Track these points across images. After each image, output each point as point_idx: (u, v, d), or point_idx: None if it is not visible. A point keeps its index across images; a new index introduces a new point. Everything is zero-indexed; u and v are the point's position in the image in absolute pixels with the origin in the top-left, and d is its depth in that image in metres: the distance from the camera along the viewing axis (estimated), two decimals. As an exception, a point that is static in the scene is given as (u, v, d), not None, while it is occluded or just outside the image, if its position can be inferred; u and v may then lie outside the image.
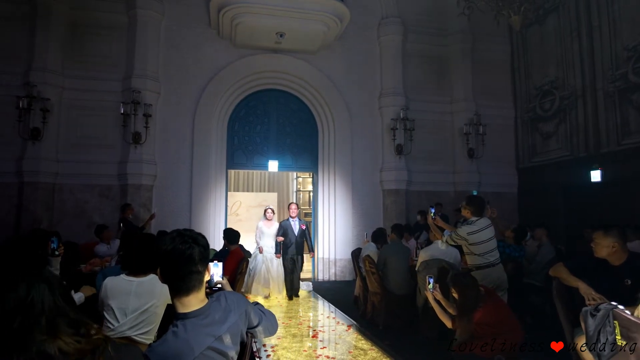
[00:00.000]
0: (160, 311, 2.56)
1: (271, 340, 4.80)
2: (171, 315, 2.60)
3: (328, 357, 4.31)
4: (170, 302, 1.57)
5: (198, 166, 8.41)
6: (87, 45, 8.13)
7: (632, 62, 7.17)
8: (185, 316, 1.52)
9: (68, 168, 7.76)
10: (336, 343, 4.81)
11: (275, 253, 7.24)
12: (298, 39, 8.56)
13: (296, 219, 7.30)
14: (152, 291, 2.50)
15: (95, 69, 8.06)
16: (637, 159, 7.02)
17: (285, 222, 7.31)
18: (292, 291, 7.23)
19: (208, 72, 8.64)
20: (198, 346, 1.48)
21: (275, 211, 8.29)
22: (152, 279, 2.54)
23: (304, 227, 7.26)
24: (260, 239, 7.42)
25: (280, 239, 7.15)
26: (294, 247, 7.17)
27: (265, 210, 7.59)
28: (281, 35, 8.30)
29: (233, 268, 5.05)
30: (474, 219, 4.18)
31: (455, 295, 3.31)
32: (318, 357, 4.31)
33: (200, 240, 1.59)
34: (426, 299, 4.90)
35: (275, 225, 7.39)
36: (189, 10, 8.66)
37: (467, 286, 3.21)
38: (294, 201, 9.72)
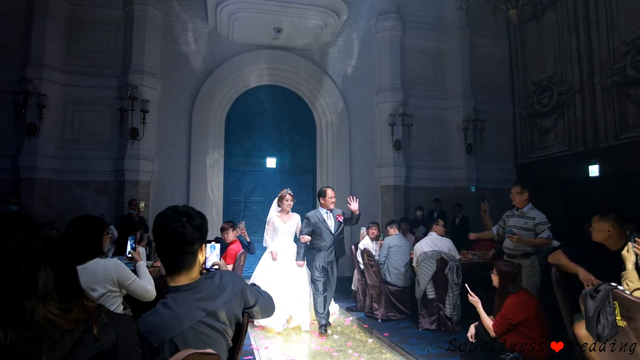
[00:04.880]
0: (116, 290, 2.53)
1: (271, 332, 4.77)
2: (159, 293, 2.57)
3: (327, 348, 4.29)
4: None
5: (195, 162, 8.39)
6: (84, 41, 8.10)
7: (630, 56, 7.16)
8: (176, 289, 1.50)
9: (65, 164, 7.72)
10: (335, 335, 4.78)
11: (297, 260, 4.98)
12: (296, 35, 8.55)
13: (331, 210, 5.00)
14: (95, 275, 2.44)
15: (92, 65, 8.03)
16: (635, 153, 7.01)
17: (316, 213, 4.99)
18: (323, 320, 4.83)
19: (206, 67, 8.62)
20: (188, 319, 1.45)
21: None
22: (96, 263, 2.48)
23: (341, 219, 4.95)
24: (272, 238, 5.21)
25: (306, 239, 4.82)
26: (332, 249, 4.88)
27: (280, 197, 5.22)
28: (279, 31, 8.29)
29: (229, 263, 5.02)
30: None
31: (495, 279, 3.43)
32: (317, 348, 4.29)
33: (195, 220, 1.54)
34: (424, 292, 4.91)
35: (295, 219, 5.25)
36: (186, 6, 8.64)
37: (509, 273, 3.36)
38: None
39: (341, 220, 4.95)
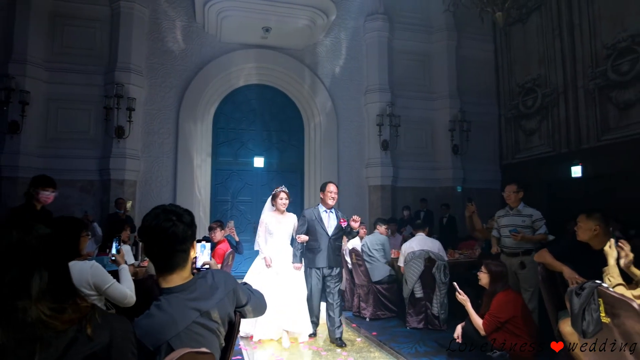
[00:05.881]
0: (93, 294, 2.49)
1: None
2: (147, 293, 2.54)
3: (316, 348, 4.29)
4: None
5: (182, 161, 8.32)
6: (68, 37, 7.95)
7: (611, 60, 7.33)
8: (169, 291, 1.49)
9: (48, 163, 7.56)
10: (323, 335, 4.79)
11: (294, 263, 4.53)
12: (284, 34, 8.53)
13: (332, 208, 4.60)
14: None
15: (77, 62, 7.88)
16: (616, 155, 7.18)
17: (313, 210, 4.59)
18: (335, 333, 4.41)
19: (193, 66, 8.55)
20: (182, 321, 1.44)
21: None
22: (72, 265, 2.41)
23: (344, 223, 4.45)
24: (265, 241, 4.72)
25: (303, 238, 4.44)
26: (325, 254, 4.45)
27: (274, 195, 4.79)
28: (267, 30, 8.27)
29: (218, 263, 4.99)
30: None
31: (484, 278, 3.48)
32: (305, 348, 4.29)
33: (185, 218, 1.54)
34: (412, 291, 4.96)
35: (291, 219, 4.79)
36: (174, 4, 8.55)
37: (500, 272, 3.45)
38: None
39: (343, 225, 4.44)
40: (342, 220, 4.46)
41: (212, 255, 4.97)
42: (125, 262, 2.95)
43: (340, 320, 4.48)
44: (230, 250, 5.32)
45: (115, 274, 2.74)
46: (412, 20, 9.84)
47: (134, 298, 2.63)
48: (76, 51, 7.96)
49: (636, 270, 2.47)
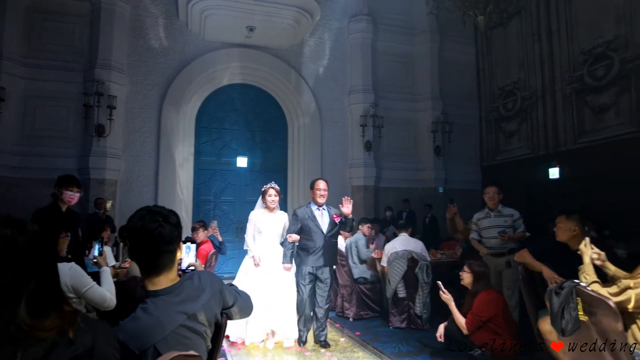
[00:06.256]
0: (72, 296, 2.46)
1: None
2: (129, 295, 2.51)
3: (299, 348, 4.29)
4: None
5: (164, 161, 8.21)
6: (47, 33, 7.76)
7: (587, 65, 7.53)
8: (155, 294, 1.47)
9: (24, 161, 7.38)
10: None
11: (285, 263, 4.31)
12: (268, 34, 8.51)
13: (324, 205, 4.43)
14: None
15: (55, 58, 7.70)
16: (591, 157, 7.39)
17: (305, 208, 4.41)
18: (319, 335, 4.34)
19: (176, 64, 8.45)
20: (170, 324, 1.43)
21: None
22: None
23: (337, 219, 4.32)
24: (254, 240, 4.48)
25: (294, 238, 4.25)
26: (321, 253, 4.25)
27: (263, 192, 4.52)
28: (251, 30, 8.23)
29: (202, 264, 4.95)
30: None
31: (467, 277, 3.53)
32: (288, 348, 4.29)
33: (171, 219, 1.53)
34: (395, 290, 5.01)
35: (281, 217, 4.55)
36: (156, 0, 8.43)
37: (483, 272, 3.51)
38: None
39: (337, 221, 4.29)
40: (335, 216, 4.29)
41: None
42: (107, 264, 2.90)
43: (326, 322, 4.41)
44: (213, 250, 5.28)
45: (96, 276, 2.70)
46: (395, 22, 9.93)
47: (114, 301, 2.58)
48: (55, 47, 7.77)
49: (611, 266, 2.56)
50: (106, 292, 2.55)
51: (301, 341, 4.34)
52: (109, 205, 7.27)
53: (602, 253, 2.53)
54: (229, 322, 4.44)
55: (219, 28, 8.24)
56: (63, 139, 7.66)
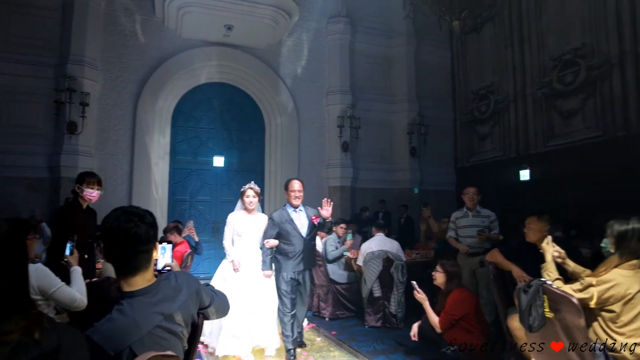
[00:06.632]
0: (39, 298, 2.42)
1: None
2: (103, 296, 2.46)
3: (275, 349, 4.30)
4: None
5: (139, 159, 8.06)
6: (15, 26, 7.46)
7: (556, 71, 7.81)
8: (131, 294, 1.46)
9: (-9, 159, 7.12)
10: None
11: (264, 269, 4.08)
12: (246, 33, 8.47)
13: (301, 206, 4.21)
14: None
15: (24, 52, 7.42)
16: (560, 160, 7.67)
17: (282, 211, 4.17)
18: (291, 345, 4.01)
19: (152, 62, 8.30)
20: (146, 325, 1.43)
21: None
22: None
23: (316, 221, 4.12)
24: (233, 244, 4.26)
25: (272, 243, 4.04)
26: (301, 257, 4.05)
27: (242, 192, 4.29)
28: (229, 28, 8.18)
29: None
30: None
31: (440, 277, 3.60)
32: (265, 349, 4.29)
33: (147, 218, 1.53)
34: (371, 290, 5.07)
35: (261, 220, 4.32)
36: (132, -4, 8.27)
37: (455, 272, 3.60)
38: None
39: (316, 223, 4.09)
40: (314, 218, 4.09)
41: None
42: (78, 264, 2.84)
43: (300, 332, 4.28)
44: (189, 251, 5.23)
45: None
46: (373, 24, 10.04)
47: (85, 301, 2.54)
48: (23, 41, 7.50)
49: (570, 262, 2.70)
50: (75, 293, 2.50)
51: (291, 353, 3.95)
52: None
53: (562, 251, 2.66)
54: (208, 335, 4.30)
55: (197, 26, 8.16)
56: (32, 136, 7.41)
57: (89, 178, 3.51)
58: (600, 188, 6.68)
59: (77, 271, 2.70)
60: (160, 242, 2.31)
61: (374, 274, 5.06)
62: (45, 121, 7.46)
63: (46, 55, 7.59)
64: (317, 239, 5.84)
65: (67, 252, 2.87)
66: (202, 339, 3.91)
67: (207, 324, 3.75)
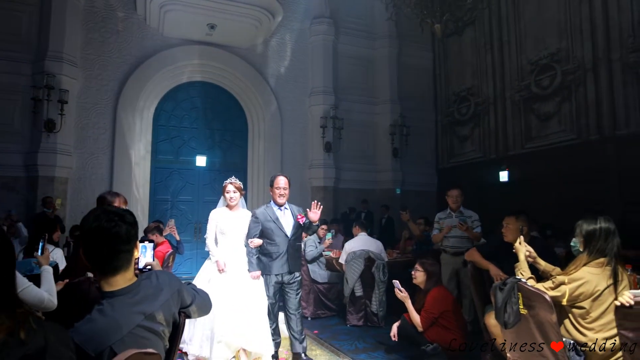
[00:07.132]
0: None
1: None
2: (83, 296, 2.42)
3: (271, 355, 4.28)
4: None
5: (120, 158, 7.95)
6: (-9, 21, 7.32)
7: (534, 75, 8.01)
8: (112, 294, 1.46)
9: (-35, 156, 6.93)
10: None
11: (251, 270, 3.78)
12: (229, 33, 8.43)
13: (286, 204, 4.00)
14: None
15: (0, 47, 7.26)
16: (537, 161, 7.87)
17: (266, 209, 3.95)
18: (298, 348, 3.90)
19: (133, 59, 8.20)
20: (127, 324, 1.43)
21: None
22: None
23: (302, 220, 3.91)
24: (217, 243, 3.97)
25: (257, 242, 3.81)
26: (285, 258, 3.82)
27: (223, 188, 3.99)
28: (212, 27, 8.13)
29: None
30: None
31: (420, 276, 3.66)
32: (260, 358, 4.27)
33: (127, 218, 1.52)
34: (352, 289, 5.12)
35: (245, 216, 4.00)
36: (112, -7, 8.15)
37: (435, 271, 3.67)
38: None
39: (301, 222, 3.87)
40: (299, 217, 3.88)
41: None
42: (55, 264, 2.78)
43: (303, 332, 3.95)
44: (170, 251, 5.19)
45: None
46: (356, 26, 10.11)
47: (54, 302, 2.46)
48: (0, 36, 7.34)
49: (541, 261, 2.81)
50: (44, 293, 2.43)
51: (273, 354, 3.82)
52: (58, 202, 6.95)
53: (532, 251, 2.76)
54: (191, 341, 4.18)
55: (179, 24, 8.09)
56: (8, 133, 7.24)
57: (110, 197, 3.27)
58: (574, 189, 6.88)
59: (47, 271, 2.64)
60: (142, 242, 2.30)
61: (356, 273, 5.11)
62: (22, 119, 7.30)
63: (23, 51, 7.43)
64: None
65: (39, 251, 2.81)
66: (192, 350, 3.77)
67: (197, 334, 3.74)
